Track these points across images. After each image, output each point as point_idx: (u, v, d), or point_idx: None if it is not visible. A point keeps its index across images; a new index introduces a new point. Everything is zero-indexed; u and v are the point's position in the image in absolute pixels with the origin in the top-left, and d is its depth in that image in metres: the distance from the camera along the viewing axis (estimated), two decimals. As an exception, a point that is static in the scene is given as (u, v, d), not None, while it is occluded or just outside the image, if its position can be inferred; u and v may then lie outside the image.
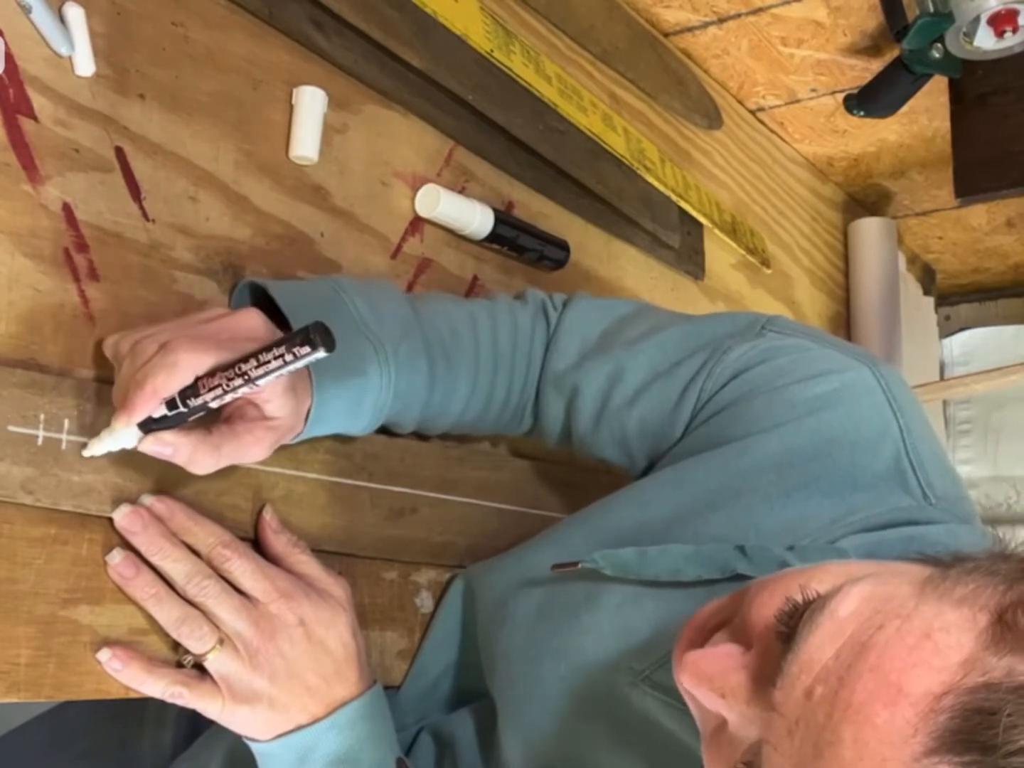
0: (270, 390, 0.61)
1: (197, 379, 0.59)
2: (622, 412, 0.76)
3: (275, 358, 0.56)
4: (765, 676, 0.43)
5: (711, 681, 0.44)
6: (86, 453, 0.62)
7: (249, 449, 0.62)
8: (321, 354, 0.55)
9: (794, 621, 0.43)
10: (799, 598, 0.44)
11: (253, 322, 0.63)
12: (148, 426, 0.60)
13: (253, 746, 0.68)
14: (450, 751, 0.78)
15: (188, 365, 0.58)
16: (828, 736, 0.39)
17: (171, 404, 0.59)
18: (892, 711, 0.38)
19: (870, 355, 0.70)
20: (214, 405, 0.59)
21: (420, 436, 0.83)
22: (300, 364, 0.57)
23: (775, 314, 0.76)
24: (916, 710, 0.37)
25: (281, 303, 0.66)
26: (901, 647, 0.39)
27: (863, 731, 0.38)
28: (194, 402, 0.59)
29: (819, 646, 0.41)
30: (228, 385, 0.58)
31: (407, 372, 0.71)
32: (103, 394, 0.63)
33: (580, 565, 0.63)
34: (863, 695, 0.38)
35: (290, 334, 0.57)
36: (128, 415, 0.59)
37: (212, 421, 0.63)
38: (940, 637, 0.39)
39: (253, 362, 0.57)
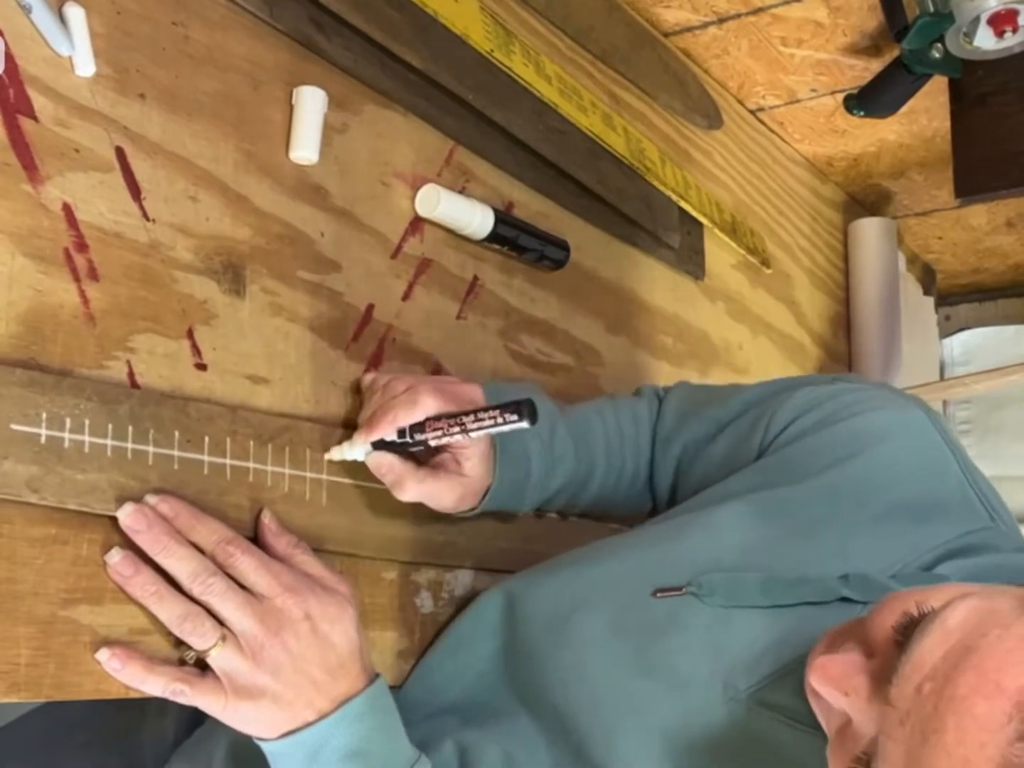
0: (472, 449, 0.77)
1: (427, 419, 0.73)
2: (711, 449, 0.86)
3: (489, 418, 0.70)
4: (883, 677, 0.49)
5: (836, 681, 0.51)
6: (327, 456, 0.76)
7: (442, 493, 0.77)
8: (525, 425, 0.69)
9: (909, 630, 0.49)
10: (915, 612, 0.50)
11: (475, 393, 0.79)
12: (378, 446, 0.75)
13: (263, 746, 0.67)
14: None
15: (425, 406, 0.73)
16: (934, 724, 0.45)
17: (401, 433, 0.74)
18: (990, 703, 0.44)
19: (922, 402, 0.78)
20: (432, 443, 0.74)
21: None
22: (506, 429, 0.70)
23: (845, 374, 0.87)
24: (1012, 702, 0.43)
25: None
26: (1001, 650, 0.46)
27: (964, 720, 0.44)
28: (419, 436, 0.73)
29: (930, 650, 0.47)
30: (448, 430, 0.72)
31: (559, 453, 0.84)
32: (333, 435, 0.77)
33: (685, 591, 0.69)
34: (965, 689, 0.45)
35: (504, 403, 0.71)
36: (368, 433, 0.74)
37: (420, 464, 0.77)
38: None
39: (472, 417, 0.71)
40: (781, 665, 0.63)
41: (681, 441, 0.89)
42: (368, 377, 0.81)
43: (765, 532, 0.71)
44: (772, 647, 0.65)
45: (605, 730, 0.69)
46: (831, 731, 0.53)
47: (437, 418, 0.73)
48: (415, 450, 0.75)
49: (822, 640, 0.56)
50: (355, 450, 0.75)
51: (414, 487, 0.75)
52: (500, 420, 0.70)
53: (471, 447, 0.77)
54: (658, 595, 0.70)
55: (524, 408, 0.69)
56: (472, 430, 0.71)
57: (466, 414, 0.72)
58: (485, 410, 0.71)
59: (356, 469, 0.78)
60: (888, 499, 0.70)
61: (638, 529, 0.81)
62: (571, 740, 0.71)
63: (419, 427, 0.73)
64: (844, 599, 0.64)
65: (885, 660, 0.50)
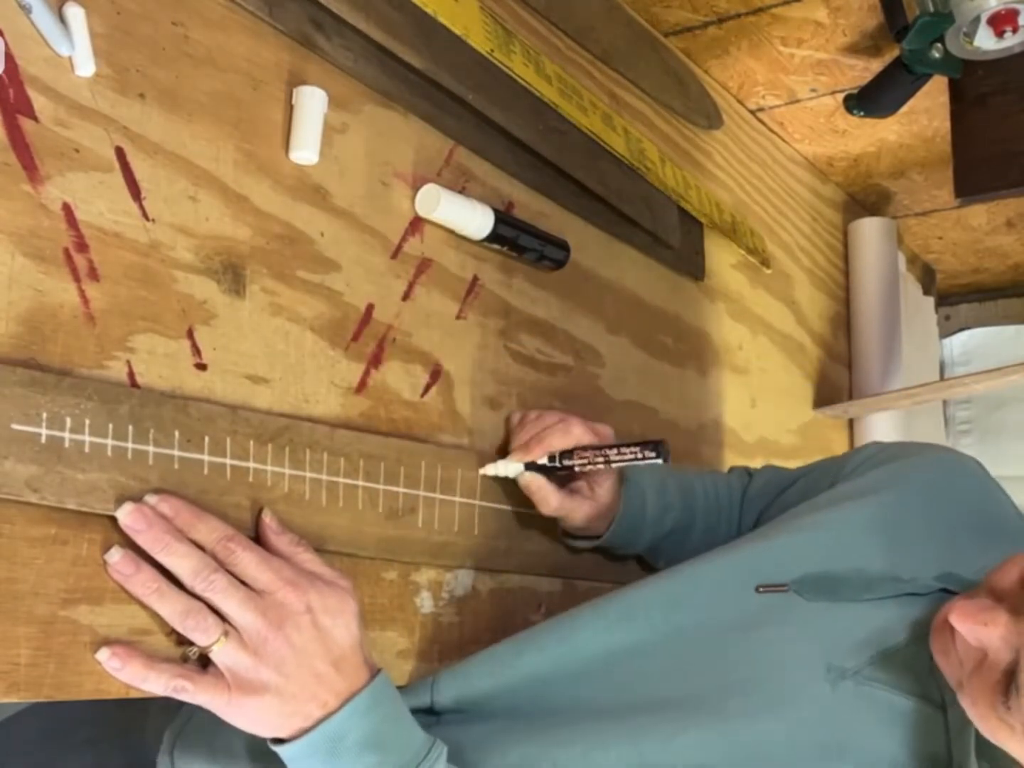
0: (605, 477, 0.92)
1: (575, 448, 0.87)
2: (786, 495, 0.97)
3: (630, 452, 0.84)
4: (1018, 608, 0.60)
5: (975, 616, 0.60)
6: (481, 471, 0.89)
7: (576, 511, 0.91)
8: (660, 461, 0.84)
9: None
10: None
11: (610, 431, 0.93)
12: (530, 467, 0.88)
13: (280, 753, 0.67)
14: None
15: (577, 436, 0.88)
16: None
17: (551, 458, 0.87)
18: None
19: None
20: (576, 469, 0.87)
21: (413, 438, 0.85)
22: (642, 463, 0.84)
23: None
24: None
25: None
26: None
27: None
28: (566, 462, 0.87)
29: None
30: (593, 460, 0.86)
31: (670, 501, 0.95)
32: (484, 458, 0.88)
33: (789, 589, 0.75)
34: None
35: (644, 440, 0.85)
36: (524, 455, 0.88)
37: (560, 485, 0.90)
38: None
39: (615, 450, 0.85)
40: (888, 646, 0.70)
41: (764, 498, 1.01)
42: (516, 414, 0.94)
43: (850, 538, 0.78)
44: (877, 632, 0.70)
45: (714, 713, 0.70)
46: (967, 671, 0.62)
47: (584, 448, 0.86)
48: (560, 473, 0.88)
49: (953, 600, 0.64)
50: (509, 468, 0.88)
51: (556, 502, 0.88)
52: (639, 455, 0.84)
53: (604, 474, 0.91)
54: (761, 590, 0.75)
55: (661, 446, 0.83)
56: (614, 461, 0.85)
57: (610, 447, 0.85)
58: (627, 445, 0.84)
59: (354, 468, 0.78)
60: (954, 513, 0.79)
61: (729, 544, 0.85)
62: (665, 730, 0.71)
63: (568, 454, 0.86)
64: (943, 590, 0.71)
65: (1015, 598, 0.61)
